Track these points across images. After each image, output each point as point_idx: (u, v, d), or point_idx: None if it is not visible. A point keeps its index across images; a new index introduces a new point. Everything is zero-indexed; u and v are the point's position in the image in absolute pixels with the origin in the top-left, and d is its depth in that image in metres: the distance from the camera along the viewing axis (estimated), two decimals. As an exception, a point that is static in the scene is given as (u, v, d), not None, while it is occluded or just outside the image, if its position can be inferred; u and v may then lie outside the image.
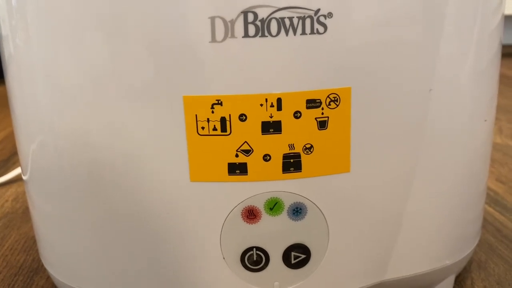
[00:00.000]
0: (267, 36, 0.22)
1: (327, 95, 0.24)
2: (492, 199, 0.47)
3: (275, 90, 0.23)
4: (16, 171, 0.56)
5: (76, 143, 0.25)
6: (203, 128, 0.24)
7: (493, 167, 0.55)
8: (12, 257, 0.39)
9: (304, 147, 0.24)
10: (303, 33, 0.22)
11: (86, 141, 0.25)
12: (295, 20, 0.22)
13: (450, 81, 0.26)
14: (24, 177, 0.30)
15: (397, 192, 0.27)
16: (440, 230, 0.29)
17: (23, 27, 0.25)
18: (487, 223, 0.42)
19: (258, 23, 0.22)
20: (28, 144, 0.28)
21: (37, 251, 0.39)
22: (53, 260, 0.31)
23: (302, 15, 0.22)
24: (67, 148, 0.26)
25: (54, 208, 0.28)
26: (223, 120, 0.23)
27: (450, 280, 0.31)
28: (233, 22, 0.22)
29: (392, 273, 0.28)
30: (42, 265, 0.37)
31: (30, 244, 0.41)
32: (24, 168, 0.30)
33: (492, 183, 0.51)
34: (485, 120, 0.29)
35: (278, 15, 0.22)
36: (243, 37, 0.22)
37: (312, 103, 0.24)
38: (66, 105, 0.25)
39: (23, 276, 0.36)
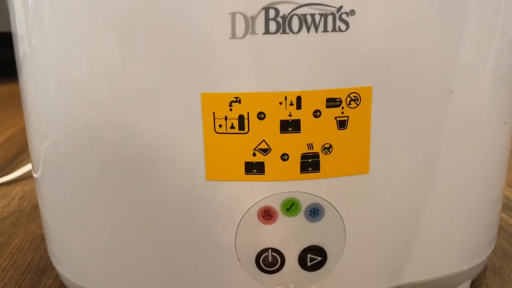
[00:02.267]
0: (288, 33, 0.22)
1: (347, 94, 0.23)
2: (504, 204, 0.46)
3: (295, 88, 0.23)
4: (23, 170, 0.55)
5: (89, 141, 0.25)
6: (220, 126, 0.23)
7: (504, 172, 0.54)
8: (20, 256, 0.38)
9: (323, 147, 0.24)
10: (325, 30, 0.22)
11: (100, 139, 0.25)
12: (317, 17, 0.22)
13: (470, 84, 0.25)
14: (35, 175, 0.30)
15: (415, 195, 0.26)
16: (457, 234, 0.28)
17: (39, 27, 0.24)
18: (500, 229, 0.41)
19: (280, 19, 0.22)
20: (40, 142, 0.27)
21: (44, 249, 0.39)
22: (62, 259, 0.30)
23: (324, 12, 0.22)
24: (80, 146, 0.25)
25: (65, 206, 0.28)
26: (241, 118, 0.23)
27: (466, 285, 0.31)
28: (254, 18, 0.21)
29: (409, 277, 0.28)
30: (50, 264, 0.36)
31: (38, 243, 0.40)
32: (35, 166, 0.29)
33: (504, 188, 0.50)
34: (505, 123, 0.28)
35: (300, 11, 0.21)
36: (263, 33, 0.22)
37: (332, 102, 0.23)
38: (80, 103, 0.25)
39: (30, 275, 0.35)
